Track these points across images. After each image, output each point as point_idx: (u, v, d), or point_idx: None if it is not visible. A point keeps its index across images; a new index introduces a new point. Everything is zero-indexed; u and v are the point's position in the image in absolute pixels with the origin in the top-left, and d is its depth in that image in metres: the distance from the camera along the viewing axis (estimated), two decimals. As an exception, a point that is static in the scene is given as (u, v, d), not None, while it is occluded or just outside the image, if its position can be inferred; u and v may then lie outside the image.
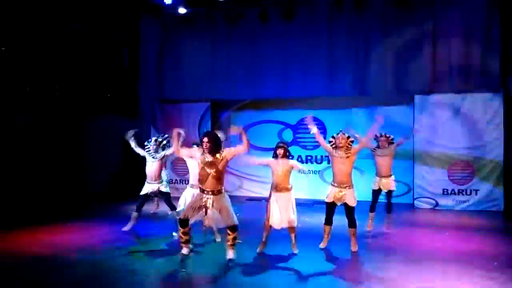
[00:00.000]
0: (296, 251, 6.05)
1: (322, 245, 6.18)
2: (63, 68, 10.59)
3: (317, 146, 11.04)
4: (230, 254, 5.33)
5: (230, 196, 5.61)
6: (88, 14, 10.77)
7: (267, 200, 6.12)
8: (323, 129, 11.38)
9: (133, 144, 7.10)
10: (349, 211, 5.99)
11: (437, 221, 8.56)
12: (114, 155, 6.87)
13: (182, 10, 11.19)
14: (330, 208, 6.04)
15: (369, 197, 7.63)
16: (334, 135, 6.00)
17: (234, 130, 5.34)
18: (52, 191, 9.92)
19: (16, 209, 8.81)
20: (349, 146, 5.92)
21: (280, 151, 5.99)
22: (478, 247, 6.42)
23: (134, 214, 7.09)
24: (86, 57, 11.18)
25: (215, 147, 5.17)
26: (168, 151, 7.05)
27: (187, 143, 6.43)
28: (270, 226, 5.93)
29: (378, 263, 5.61)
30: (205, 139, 5.17)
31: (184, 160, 6.73)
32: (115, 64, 12.16)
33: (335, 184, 5.96)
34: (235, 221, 5.28)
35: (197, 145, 6.24)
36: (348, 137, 5.92)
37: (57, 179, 10.14)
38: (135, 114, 12.19)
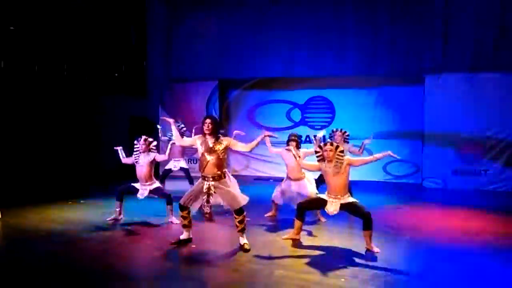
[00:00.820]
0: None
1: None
2: (71, 48, 10.58)
3: (325, 126, 10.94)
4: (241, 240, 5.29)
5: (238, 176, 5.62)
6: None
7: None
8: (331, 109, 11.33)
9: (121, 155, 6.83)
10: (354, 210, 5.10)
11: (446, 201, 8.53)
12: (123, 133, 6.92)
13: (189, -12, 11.07)
14: (315, 200, 5.31)
15: (368, 177, 7.61)
16: (321, 144, 5.15)
17: (265, 134, 5.19)
18: (63, 169, 10.04)
19: (29, 187, 8.94)
20: (339, 158, 4.98)
21: (292, 144, 6.27)
22: (486, 227, 6.40)
23: (117, 203, 6.59)
24: (93, 36, 11.15)
25: (217, 129, 5.19)
26: (159, 157, 6.62)
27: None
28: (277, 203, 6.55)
29: (384, 242, 5.63)
30: (208, 120, 5.17)
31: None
32: (123, 43, 12.11)
33: (330, 195, 5.14)
34: (241, 202, 5.12)
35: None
36: (337, 147, 5.01)
37: (67, 157, 10.24)
38: (144, 93, 12.20)
